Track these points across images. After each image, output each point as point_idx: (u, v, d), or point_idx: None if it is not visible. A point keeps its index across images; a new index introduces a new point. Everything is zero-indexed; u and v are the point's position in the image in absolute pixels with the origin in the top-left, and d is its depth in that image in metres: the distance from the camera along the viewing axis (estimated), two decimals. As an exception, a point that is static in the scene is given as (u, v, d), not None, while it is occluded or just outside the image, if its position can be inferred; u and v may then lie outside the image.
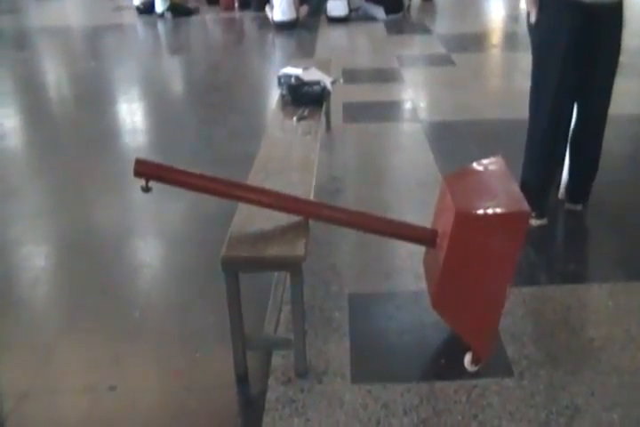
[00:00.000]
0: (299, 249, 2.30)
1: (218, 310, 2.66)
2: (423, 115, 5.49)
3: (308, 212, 2.51)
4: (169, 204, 3.87)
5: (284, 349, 2.53)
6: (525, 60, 7.10)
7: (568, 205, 3.72)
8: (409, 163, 4.51)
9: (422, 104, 5.85)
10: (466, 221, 2.31)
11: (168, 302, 3.05)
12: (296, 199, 2.51)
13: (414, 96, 6.03)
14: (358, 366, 2.53)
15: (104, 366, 2.61)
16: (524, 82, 6.22)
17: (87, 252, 3.49)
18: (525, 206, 2.30)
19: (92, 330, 2.84)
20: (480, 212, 2.34)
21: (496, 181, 2.54)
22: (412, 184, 4.16)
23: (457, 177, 2.62)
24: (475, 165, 2.64)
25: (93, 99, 6.35)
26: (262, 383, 2.45)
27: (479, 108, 5.63)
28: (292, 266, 2.30)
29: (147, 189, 2.40)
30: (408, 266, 3.15)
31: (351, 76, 6.42)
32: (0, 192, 4.26)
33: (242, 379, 2.47)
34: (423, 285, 2.77)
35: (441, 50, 7.71)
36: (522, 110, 5.32)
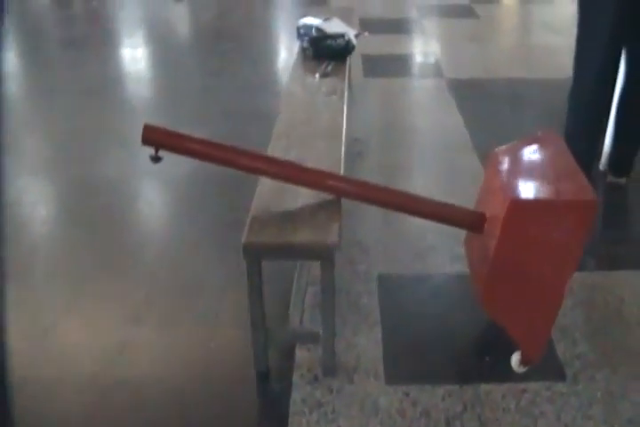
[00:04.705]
0: (332, 235, 2.00)
1: (234, 290, 2.42)
2: (447, 71, 5.11)
3: (339, 190, 2.20)
4: (180, 163, 3.53)
5: (310, 343, 2.25)
6: (553, 13, 6.73)
7: (610, 178, 3.41)
8: (436, 124, 4.18)
9: (446, 59, 5.44)
10: (521, 210, 1.99)
11: (178, 282, 2.73)
12: (326, 175, 2.19)
13: (436, 50, 5.64)
14: (392, 363, 2.26)
15: (108, 354, 2.34)
16: (552, 37, 5.94)
17: (87, 218, 3.19)
18: (592, 194, 1.99)
19: (94, 314, 2.56)
20: (538, 198, 2.04)
21: (554, 160, 2.22)
22: (440, 149, 3.84)
23: (508, 154, 2.28)
24: (527, 139, 2.32)
25: (94, 42, 5.97)
26: (286, 381, 2.17)
27: (506, 65, 5.28)
28: (325, 255, 2.00)
29: (156, 159, 2.09)
30: (442, 244, 2.87)
31: (368, 25, 5.99)
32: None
33: (263, 376, 2.20)
34: (460, 267, 2.55)
35: (463, 0, 7.26)
36: (551, 69, 5.05)
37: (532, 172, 2.19)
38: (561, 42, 5.81)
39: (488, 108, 4.37)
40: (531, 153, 2.28)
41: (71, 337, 2.46)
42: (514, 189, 2.05)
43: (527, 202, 2.02)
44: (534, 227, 2.01)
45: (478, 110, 4.32)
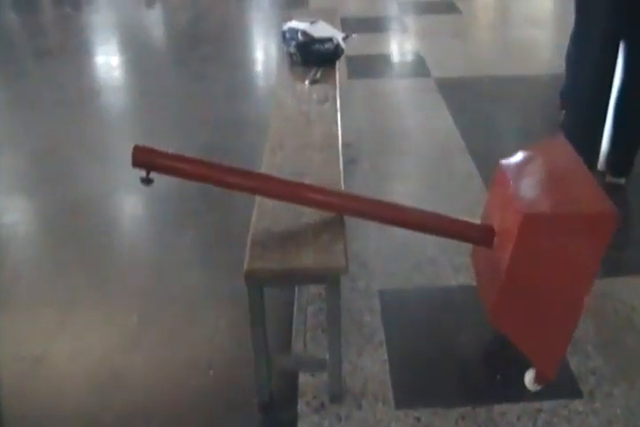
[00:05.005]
0: (338, 258, 1.89)
1: (231, 312, 2.36)
2: (434, 70, 5.02)
3: (342, 208, 2.09)
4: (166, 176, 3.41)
5: (317, 371, 2.15)
6: (534, 6, 6.64)
7: (609, 179, 3.34)
8: (427, 126, 4.10)
9: (431, 58, 5.34)
10: (535, 224, 1.90)
11: (172, 302, 2.62)
12: (328, 193, 2.08)
13: (421, 49, 5.53)
14: (401, 386, 2.16)
15: (101, 385, 2.22)
16: (534, 31, 5.87)
17: (71, 239, 3.06)
18: (611, 207, 1.90)
19: (84, 341, 2.44)
20: (552, 212, 1.94)
21: (566, 169, 2.12)
22: (434, 151, 3.77)
23: (517, 163, 2.19)
24: (534, 147, 2.23)
25: (67, 51, 5.78)
26: (291, 411, 2.07)
27: (492, 62, 5.21)
28: (331, 279, 1.90)
29: (148, 182, 1.98)
30: (442, 255, 2.79)
31: (350, 25, 5.88)
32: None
33: (266, 406, 2.10)
34: (462, 278, 2.53)
35: (443, -5, 7.18)
36: (536, 65, 4.99)
37: (543, 182, 2.09)
38: (543, 36, 5.79)
39: (477, 106, 4.30)
40: (540, 162, 2.18)
41: (62, 367, 2.34)
42: (526, 202, 1.96)
43: (541, 216, 1.92)
44: (548, 241, 1.92)
45: (468, 109, 4.25)
